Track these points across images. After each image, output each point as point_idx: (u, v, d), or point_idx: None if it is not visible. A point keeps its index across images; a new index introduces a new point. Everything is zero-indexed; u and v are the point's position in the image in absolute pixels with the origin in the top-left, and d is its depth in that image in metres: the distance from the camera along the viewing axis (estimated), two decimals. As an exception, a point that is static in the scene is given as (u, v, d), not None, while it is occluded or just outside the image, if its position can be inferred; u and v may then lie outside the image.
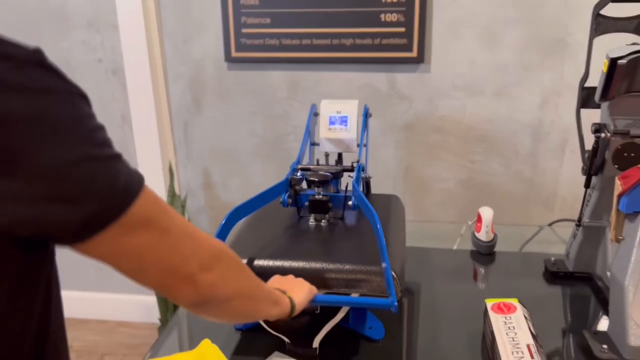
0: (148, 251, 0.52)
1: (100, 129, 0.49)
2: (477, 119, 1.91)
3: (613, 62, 1.04)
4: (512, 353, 0.88)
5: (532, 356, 0.86)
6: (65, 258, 0.80)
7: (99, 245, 0.49)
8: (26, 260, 0.51)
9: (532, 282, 1.25)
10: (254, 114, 2.04)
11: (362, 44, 1.83)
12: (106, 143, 0.49)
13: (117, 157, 0.50)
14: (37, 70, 0.45)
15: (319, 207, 1.13)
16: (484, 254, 1.39)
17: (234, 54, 1.92)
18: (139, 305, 2.34)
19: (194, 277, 0.57)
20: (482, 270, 1.35)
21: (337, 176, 1.23)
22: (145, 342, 2.24)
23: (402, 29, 1.79)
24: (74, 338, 2.25)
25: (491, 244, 1.39)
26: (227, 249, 0.65)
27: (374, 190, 1.40)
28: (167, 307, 2.06)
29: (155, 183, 2.09)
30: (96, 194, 0.46)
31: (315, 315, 0.97)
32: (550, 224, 1.56)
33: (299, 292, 0.85)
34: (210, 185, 2.16)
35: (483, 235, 1.38)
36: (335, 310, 0.97)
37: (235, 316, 0.73)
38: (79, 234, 0.47)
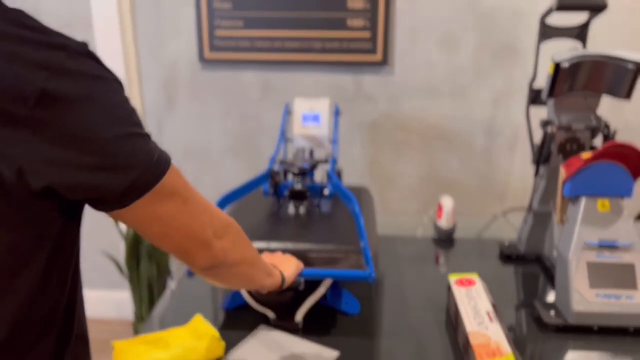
0: (173, 218, 0.61)
1: (135, 111, 0.58)
2: (437, 118, 2.05)
3: (557, 65, 1.18)
4: (474, 319, 1.00)
5: (491, 320, 0.99)
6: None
7: (134, 210, 0.57)
8: (64, 225, 0.59)
9: (488, 264, 1.39)
10: (226, 113, 2.12)
11: (331, 47, 1.94)
12: (141, 124, 0.58)
13: (150, 136, 0.59)
14: (88, 60, 0.53)
15: (298, 196, 1.23)
16: (445, 240, 1.52)
17: (207, 55, 2.00)
18: (112, 301, 2.37)
19: (209, 243, 0.66)
20: (443, 255, 1.48)
21: (312, 168, 1.34)
22: (119, 339, 2.26)
23: (368, 34, 1.92)
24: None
25: (451, 230, 1.52)
26: (234, 222, 0.74)
27: (344, 183, 1.51)
28: (142, 301, 2.11)
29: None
30: (138, 165, 0.55)
31: (298, 291, 1.06)
32: (503, 213, 1.71)
33: (288, 267, 0.94)
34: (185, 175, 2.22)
35: (444, 223, 1.51)
36: (315, 287, 1.07)
37: (238, 281, 0.82)
38: (121, 200, 0.56)
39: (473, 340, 0.93)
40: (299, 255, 1.04)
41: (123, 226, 2.07)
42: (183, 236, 0.63)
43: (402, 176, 2.13)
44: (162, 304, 1.21)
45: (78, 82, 0.51)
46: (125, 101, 0.56)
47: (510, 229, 1.57)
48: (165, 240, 0.63)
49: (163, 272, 2.12)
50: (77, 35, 0.55)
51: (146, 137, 0.58)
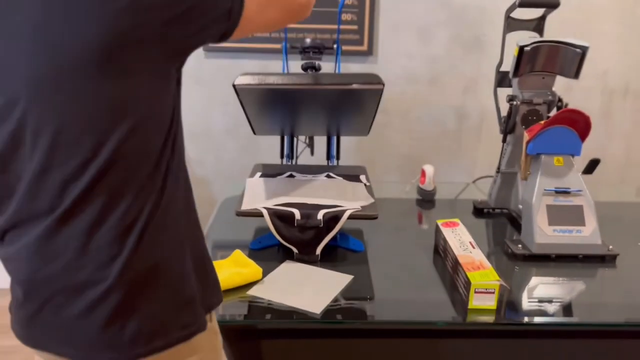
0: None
1: None
2: (415, 102, 2.32)
3: (521, 48, 1.45)
4: (460, 247, 1.25)
5: (473, 247, 1.24)
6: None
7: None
8: (177, 84, 0.77)
9: (464, 217, 1.63)
10: (227, 97, 2.32)
11: (322, 38, 2.18)
12: None
13: None
14: None
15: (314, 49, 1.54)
16: (428, 201, 1.79)
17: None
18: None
19: None
20: (426, 211, 1.74)
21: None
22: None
23: (355, 27, 2.17)
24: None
25: (433, 192, 1.78)
26: None
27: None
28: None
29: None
30: None
31: (318, 229, 1.29)
32: (474, 181, 1.99)
33: None
34: (187, 162, 2.42)
35: (427, 186, 1.78)
36: (332, 226, 1.30)
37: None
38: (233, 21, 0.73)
39: (461, 260, 1.18)
40: None
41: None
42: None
43: (384, 154, 2.39)
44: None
45: None
46: None
47: (480, 194, 1.85)
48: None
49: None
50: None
51: None
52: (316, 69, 1.55)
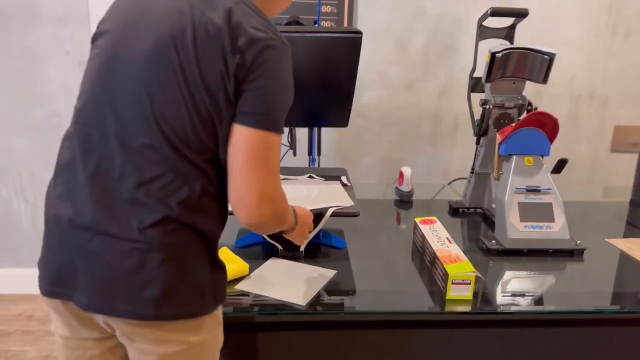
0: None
1: None
2: (392, 107, 2.39)
3: (493, 55, 1.54)
4: (437, 242, 1.32)
5: (450, 242, 1.31)
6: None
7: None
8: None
9: (440, 217, 1.70)
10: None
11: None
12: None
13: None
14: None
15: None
16: (405, 201, 1.85)
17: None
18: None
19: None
20: (404, 211, 1.81)
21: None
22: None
23: (334, 34, 2.23)
24: (36, 309, 2.41)
25: (410, 193, 1.85)
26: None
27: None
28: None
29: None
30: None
31: (302, 227, 1.34)
32: (449, 183, 2.06)
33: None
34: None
35: (405, 187, 1.84)
36: (316, 223, 1.35)
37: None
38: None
39: (439, 254, 1.24)
40: None
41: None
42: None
43: (362, 157, 2.46)
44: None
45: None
46: None
47: (455, 195, 1.92)
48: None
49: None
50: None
51: None
52: (300, 23, 1.63)
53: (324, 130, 2.38)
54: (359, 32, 1.39)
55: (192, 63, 0.81)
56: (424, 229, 1.40)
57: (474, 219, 1.70)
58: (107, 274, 0.83)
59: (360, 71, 2.33)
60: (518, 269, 1.35)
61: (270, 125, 0.84)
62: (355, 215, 1.35)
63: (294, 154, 1.89)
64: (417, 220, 1.46)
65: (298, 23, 1.66)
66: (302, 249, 1.35)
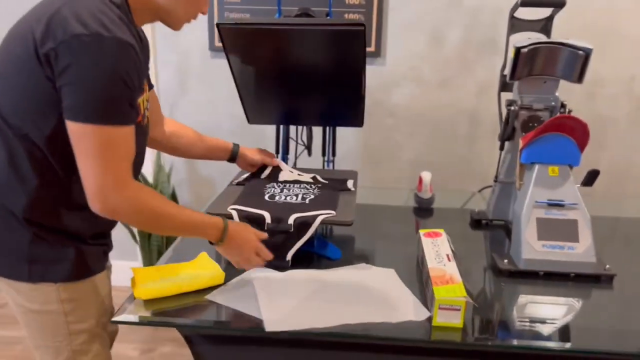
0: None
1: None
2: (424, 105, 2.23)
3: (518, 50, 1.36)
4: (435, 259, 1.18)
5: (449, 260, 1.17)
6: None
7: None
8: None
9: (460, 229, 1.56)
10: (233, 98, 2.30)
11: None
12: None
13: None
14: None
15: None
16: (424, 209, 1.71)
17: (216, 44, 2.20)
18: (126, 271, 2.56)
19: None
20: (421, 220, 1.66)
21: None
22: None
23: (362, 27, 2.10)
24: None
25: (430, 201, 1.70)
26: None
27: (338, 165, 1.73)
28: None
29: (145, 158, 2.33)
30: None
31: (288, 234, 1.24)
32: (479, 190, 1.89)
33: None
34: (192, 161, 2.42)
35: (424, 194, 1.70)
36: (304, 231, 1.25)
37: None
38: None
39: (432, 273, 1.11)
40: None
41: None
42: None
43: (391, 159, 2.32)
44: (169, 252, 1.39)
45: None
46: None
47: (484, 204, 1.75)
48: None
49: (171, 241, 2.31)
50: None
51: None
52: (310, 15, 1.57)
53: (349, 129, 2.26)
54: (361, 25, 1.28)
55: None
56: (425, 242, 1.26)
57: (497, 233, 1.53)
58: None
59: (390, 67, 2.21)
60: (530, 294, 1.19)
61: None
62: (347, 224, 1.24)
63: (309, 154, 1.79)
64: (422, 231, 1.32)
65: (308, 15, 1.56)
66: (288, 257, 1.25)
